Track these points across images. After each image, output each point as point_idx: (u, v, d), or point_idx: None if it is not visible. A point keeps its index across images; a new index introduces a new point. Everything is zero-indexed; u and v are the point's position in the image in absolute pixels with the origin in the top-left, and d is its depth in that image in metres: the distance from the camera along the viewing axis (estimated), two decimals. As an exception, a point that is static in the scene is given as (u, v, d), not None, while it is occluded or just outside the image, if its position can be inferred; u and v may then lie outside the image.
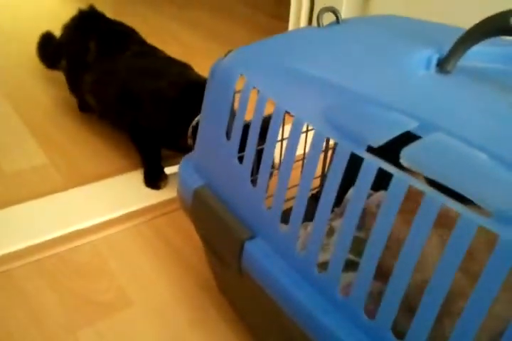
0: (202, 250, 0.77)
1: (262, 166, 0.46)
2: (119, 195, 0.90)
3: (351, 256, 0.50)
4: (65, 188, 0.91)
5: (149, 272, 0.75)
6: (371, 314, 0.38)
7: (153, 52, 1.03)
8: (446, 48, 0.46)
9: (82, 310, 0.68)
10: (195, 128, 0.86)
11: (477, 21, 0.44)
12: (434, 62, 0.47)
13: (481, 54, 0.49)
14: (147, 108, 0.92)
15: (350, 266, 0.44)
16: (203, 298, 0.71)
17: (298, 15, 1.08)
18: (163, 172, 0.93)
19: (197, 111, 0.86)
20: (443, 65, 0.45)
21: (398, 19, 0.59)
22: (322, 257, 0.43)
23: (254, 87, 0.46)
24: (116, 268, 0.75)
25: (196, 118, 0.86)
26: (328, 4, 0.55)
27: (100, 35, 1.04)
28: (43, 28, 1.22)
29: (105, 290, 0.72)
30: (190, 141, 0.87)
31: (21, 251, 0.77)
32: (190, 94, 0.89)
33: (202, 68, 0.97)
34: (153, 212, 0.87)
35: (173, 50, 1.03)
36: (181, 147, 0.89)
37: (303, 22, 1.08)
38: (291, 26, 1.13)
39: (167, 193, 0.91)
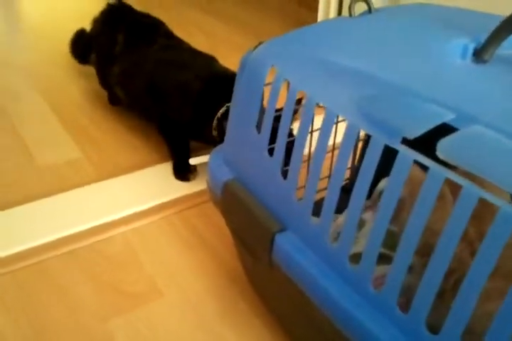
0: (232, 242, 0.78)
1: (293, 158, 0.46)
2: (150, 186, 0.91)
3: (383, 250, 0.50)
4: (97, 180, 0.92)
5: (180, 264, 0.76)
6: (402, 307, 0.37)
7: (179, 44, 1.04)
8: (483, 37, 0.44)
9: (113, 300, 0.70)
10: (220, 119, 0.86)
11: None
12: (471, 51, 0.45)
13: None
14: (173, 100, 0.92)
15: (382, 259, 0.43)
16: (233, 290, 0.71)
17: (327, 5, 1.07)
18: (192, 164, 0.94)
19: (222, 102, 0.87)
20: (480, 54, 0.44)
21: (431, 7, 0.58)
22: (352, 249, 0.42)
23: (285, 79, 0.46)
24: (147, 259, 0.76)
25: (221, 110, 0.86)
26: None
27: (128, 28, 1.05)
28: (75, 25, 1.24)
29: (136, 281, 0.73)
30: (215, 133, 0.87)
31: (55, 242, 0.78)
32: (215, 86, 0.89)
33: (228, 60, 0.97)
34: (183, 204, 0.88)
35: (200, 42, 1.03)
36: (207, 139, 0.90)
37: (332, 12, 1.07)
38: (320, 17, 1.12)
39: (196, 185, 0.92)
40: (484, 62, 0.44)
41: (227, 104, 0.86)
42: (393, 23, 0.52)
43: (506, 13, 0.43)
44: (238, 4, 1.88)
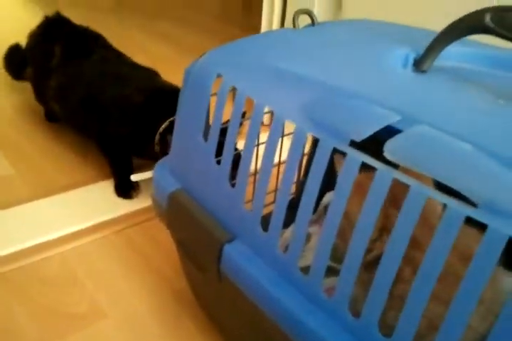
0: (175, 260, 0.75)
1: (241, 166, 0.45)
2: (89, 205, 0.87)
3: (330, 263, 0.50)
4: (32, 199, 0.87)
5: (122, 283, 0.72)
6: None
7: (118, 57, 1.01)
8: (422, 48, 0.46)
9: (53, 323, 0.65)
10: (163, 134, 0.84)
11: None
12: (411, 61, 0.47)
13: (456, 54, 0.50)
14: (113, 114, 0.89)
15: (330, 271, 0.43)
16: (178, 308, 0.68)
17: (270, 22, 1.08)
18: (135, 181, 0.91)
19: (163, 117, 0.85)
20: (420, 63, 0.46)
21: (373, 22, 0.60)
22: (301, 262, 0.42)
23: (231, 86, 0.45)
24: (88, 279, 0.72)
25: (163, 125, 0.85)
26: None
27: (65, 39, 1.01)
28: (9, 40, 1.19)
29: (77, 302, 0.69)
30: (157, 148, 0.86)
31: (-15, 264, 0.73)
32: (157, 101, 0.87)
33: (168, 77, 0.96)
34: (125, 222, 0.84)
35: (140, 59, 1.01)
36: (149, 155, 0.88)
37: (275, 28, 1.09)
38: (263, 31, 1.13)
39: (138, 203, 0.89)
40: (423, 71, 0.46)
41: (169, 119, 0.85)
42: (337, 34, 0.54)
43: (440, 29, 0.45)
44: (180, 26, 1.88)
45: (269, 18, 1.10)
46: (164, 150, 0.84)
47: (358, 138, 0.35)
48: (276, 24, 1.09)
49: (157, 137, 0.85)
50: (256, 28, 1.16)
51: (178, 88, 0.91)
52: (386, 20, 0.61)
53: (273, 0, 1.07)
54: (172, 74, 0.97)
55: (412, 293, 0.33)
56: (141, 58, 1.02)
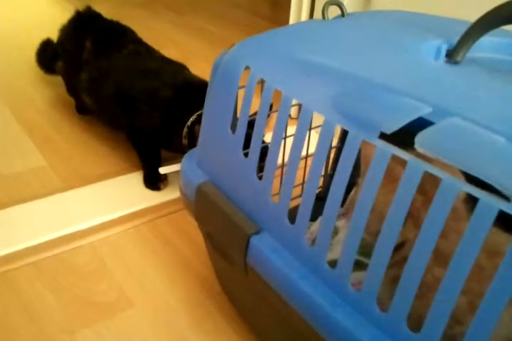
0: (203, 251, 0.76)
1: (268, 158, 0.45)
2: (119, 196, 0.88)
3: (357, 257, 0.49)
4: (63, 189, 0.89)
5: (150, 273, 0.73)
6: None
7: (149, 51, 1.02)
8: (455, 39, 0.45)
9: (81, 311, 0.67)
10: (191, 128, 0.85)
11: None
12: (444, 52, 0.46)
13: (489, 45, 0.48)
14: (142, 108, 0.91)
15: (357, 265, 0.42)
16: (204, 298, 0.69)
17: (298, 14, 1.08)
18: (163, 173, 0.92)
19: (192, 110, 0.86)
20: (452, 55, 0.45)
21: (404, 13, 0.59)
22: (328, 256, 0.41)
23: (260, 78, 0.45)
24: (116, 269, 0.74)
25: (191, 118, 0.85)
26: None
27: (96, 34, 1.03)
28: (42, 35, 1.22)
29: (105, 291, 0.70)
30: (185, 141, 0.86)
31: (19, 253, 0.75)
32: (185, 94, 0.88)
33: (199, 71, 0.96)
34: (153, 214, 0.85)
35: (170, 53, 1.02)
36: (177, 147, 0.89)
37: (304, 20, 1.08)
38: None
39: (167, 194, 0.90)
40: (456, 62, 0.45)
41: (197, 113, 0.85)
42: (368, 25, 0.53)
43: (473, 19, 0.44)
44: (209, 19, 1.89)
45: (298, 11, 1.09)
46: (192, 144, 0.85)
47: (389, 130, 0.34)
48: (305, 16, 1.08)
49: (185, 130, 0.86)
50: (285, 21, 1.15)
51: (206, 82, 0.91)
52: (416, 12, 0.59)
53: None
54: (202, 67, 0.97)
55: (443, 287, 0.32)
56: (171, 52, 1.03)
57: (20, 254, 0.75)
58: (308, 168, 0.42)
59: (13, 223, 0.81)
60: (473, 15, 0.47)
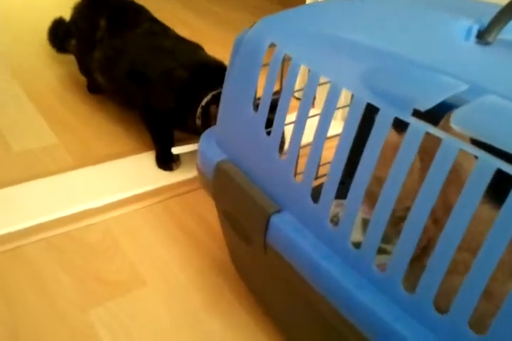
0: (215, 232, 0.76)
1: (292, 137, 0.44)
2: (131, 175, 0.88)
3: (382, 245, 0.49)
4: (75, 167, 0.89)
5: (162, 252, 0.73)
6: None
7: (164, 30, 1.01)
8: (486, 20, 0.44)
9: (94, 288, 0.67)
10: (205, 108, 0.84)
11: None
12: (475, 33, 0.45)
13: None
14: (157, 87, 0.90)
15: (379, 251, 0.42)
16: (218, 279, 0.69)
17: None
18: (175, 154, 0.91)
19: (207, 91, 0.85)
20: (484, 35, 0.43)
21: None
22: (353, 237, 0.41)
23: (285, 54, 0.44)
24: (129, 247, 0.74)
25: (206, 98, 0.84)
26: None
27: (110, 12, 1.02)
28: (54, 14, 1.20)
29: (118, 269, 0.70)
30: (198, 122, 0.85)
31: (32, 229, 0.75)
32: (201, 75, 0.87)
33: (211, 52, 0.95)
34: (165, 193, 0.85)
35: (182, 34, 1.01)
36: (191, 128, 0.88)
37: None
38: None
39: (179, 175, 0.89)
40: (488, 44, 0.43)
41: (212, 93, 0.84)
42: (395, 4, 0.51)
43: (504, 2, 0.42)
44: (219, 2, 1.86)
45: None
46: (206, 124, 0.84)
47: (424, 107, 0.33)
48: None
49: (199, 111, 0.85)
50: (295, 4, 1.13)
51: (221, 62, 0.90)
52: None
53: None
54: (212, 48, 0.96)
55: (472, 268, 0.31)
56: (181, 32, 1.01)
57: (33, 230, 0.75)
58: (332, 148, 0.41)
59: (26, 199, 0.80)
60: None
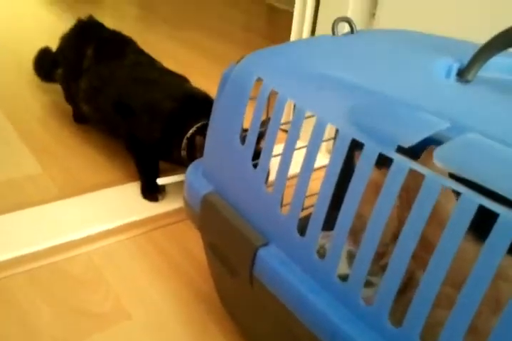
0: (201, 264, 0.75)
1: (279, 171, 0.45)
2: (116, 206, 0.88)
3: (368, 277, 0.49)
4: (59, 198, 0.88)
5: (146, 284, 0.72)
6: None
7: (150, 62, 1.02)
8: (465, 59, 0.45)
9: (77, 322, 0.65)
10: (190, 139, 0.85)
11: (485, 38, 0.44)
12: (455, 71, 0.47)
13: (498, 66, 0.49)
14: (142, 118, 0.90)
15: (366, 284, 0.42)
16: (203, 311, 0.68)
17: (300, 31, 1.08)
18: (161, 184, 0.91)
19: (192, 122, 0.86)
20: (464, 74, 0.45)
21: (413, 32, 0.59)
22: (339, 269, 0.41)
23: (272, 89, 0.45)
24: (113, 279, 0.72)
25: (191, 130, 0.85)
26: (331, 22, 0.55)
27: (98, 42, 1.03)
28: (40, 43, 1.22)
29: (101, 302, 0.69)
30: (184, 153, 0.86)
31: (13, 260, 0.73)
32: (186, 106, 0.88)
33: (197, 84, 0.96)
34: (150, 224, 0.85)
35: (168, 66, 1.03)
36: (176, 159, 0.88)
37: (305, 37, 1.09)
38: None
39: (165, 206, 0.89)
40: (467, 81, 0.45)
41: (197, 125, 0.85)
42: (378, 42, 0.53)
43: (476, 40, 0.44)
44: (205, 34, 1.90)
45: (299, 28, 1.10)
46: (191, 155, 0.85)
47: (406, 144, 0.34)
48: (306, 35, 1.09)
49: (184, 142, 0.85)
50: (281, 39, 1.16)
51: (207, 94, 0.91)
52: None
53: (304, 9, 1.07)
54: (198, 80, 0.98)
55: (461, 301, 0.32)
56: (167, 64, 1.03)
57: (14, 262, 0.73)
58: (319, 180, 0.42)
59: (8, 230, 0.79)
60: (476, 37, 0.48)
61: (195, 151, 0.84)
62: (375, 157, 0.36)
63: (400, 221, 0.47)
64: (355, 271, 0.38)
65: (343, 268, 0.50)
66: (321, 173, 0.41)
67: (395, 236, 0.37)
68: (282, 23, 1.11)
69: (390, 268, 0.35)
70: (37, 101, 1.26)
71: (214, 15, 2.21)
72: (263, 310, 0.51)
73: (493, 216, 0.30)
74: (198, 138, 0.82)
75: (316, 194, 0.41)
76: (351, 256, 0.53)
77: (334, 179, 0.40)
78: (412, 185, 0.35)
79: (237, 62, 0.53)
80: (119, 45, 1.04)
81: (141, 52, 1.05)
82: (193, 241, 0.80)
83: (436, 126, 0.35)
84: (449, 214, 0.32)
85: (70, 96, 1.09)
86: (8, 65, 1.46)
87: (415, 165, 0.34)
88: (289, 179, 0.45)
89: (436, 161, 0.32)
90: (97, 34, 1.06)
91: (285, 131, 0.45)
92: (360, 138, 0.37)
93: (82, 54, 1.02)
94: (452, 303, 0.32)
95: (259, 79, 0.48)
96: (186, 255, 0.78)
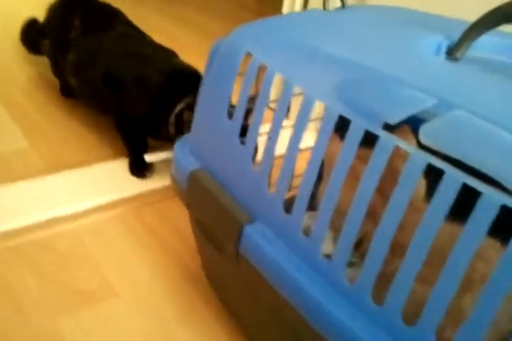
0: (188, 241, 0.76)
1: (266, 148, 0.44)
2: (103, 182, 0.87)
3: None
4: (46, 173, 0.87)
5: (134, 262, 0.72)
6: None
7: (139, 35, 1.00)
8: (455, 37, 0.45)
9: (63, 298, 0.65)
10: (178, 115, 0.84)
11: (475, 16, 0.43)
12: (444, 49, 0.46)
13: (487, 45, 0.48)
14: (131, 92, 0.89)
15: (349, 264, 0.42)
16: (190, 289, 0.68)
17: (291, 5, 1.06)
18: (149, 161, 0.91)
19: (180, 98, 0.84)
20: (453, 51, 0.45)
21: (403, 9, 0.58)
22: (324, 249, 0.41)
23: (261, 63, 0.44)
24: (100, 256, 0.72)
25: (179, 106, 0.84)
26: None
27: (85, 12, 1.01)
28: (26, 13, 1.19)
29: (88, 278, 0.69)
30: (172, 129, 0.85)
31: (0, 235, 0.73)
32: (175, 82, 0.87)
33: (186, 59, 0.95)
34: (138, 201, 0.84)
35: (157, 40, 1.01)
36: (165, 135, 0.87)
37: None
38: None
39: (152, 183, 0.89)
40: (456, 59, 0.44)
41: (185, 100, 0.84)
42: (369, 18, 0.52)
43: (468, 19, 0.44)
44: (195, 9, 1.86)
45: (291, 2, 1.08)
46: (179, 131, 0.84)
47: (393, 121, 0.34)
48: (298, 8, 1.07)
49: (173, 117, 0.84)
50: (272, 15, 1.14)
51: (196, 69, 0.90)
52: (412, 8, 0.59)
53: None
54: (187, 55, 0.96)
55: (441, 283, 0.32)
56: (156, 38, 1.01)
57: (1, 236, 0.73)
58: (305, 159, 0.42)
59: (-6, 205, 0.79)
60: (468, 15, 0.47)
61: (183, 127, 0.83)
62: (362, 133, 0.36)
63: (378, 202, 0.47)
64: (339, 249, 0.38)
65: (328, 247, 0.50)
66: (309, 153, 0.41)
67: (372, 216, 0.37)
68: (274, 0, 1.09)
69: (371, 248, 0.36)
70: (24, 74, 1.23)
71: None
72: (248, 287, 0.51)
73: (471, 196, 0.30)
74: (186, 113, 0.81)
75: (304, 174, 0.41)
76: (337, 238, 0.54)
77: (320, 157, 0.40)
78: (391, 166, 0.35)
79: (226, 36, 0.52)
80: (107, 16, 1.01)
81: (130, 25, 1.02)
82: (182, 218, 0.80)
83: (423, 103, 0.35)
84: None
85: (58, 69, 1.07)
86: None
87: (401, 143, 0.34)
88: (277, 159, 0.45)
89: (422, 138, 0.32)
90: (84, 5, 1.03)
91: (274, 109, 0.44)
92: (347, 115, 0.37)
93: (69, 25, 1.00)
94: (432, 283, 0.32)
95: (248, 54, 0.47)
96: (174, 232, 0.78)
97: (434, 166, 0.31)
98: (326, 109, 0.38)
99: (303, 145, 0.42)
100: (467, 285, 0.34)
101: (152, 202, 0.85)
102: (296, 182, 0.49)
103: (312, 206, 0.43)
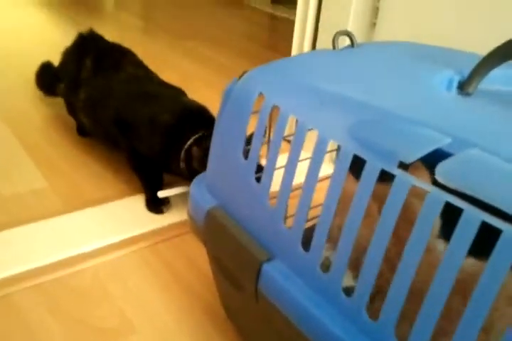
0: (206, 276, 0.75)
1: (282, 184, 0.45)
2: (121, 219, 0.88)
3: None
4: (65, 212, 0.89)
5: (152, 298, 0.72)
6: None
7: (148, 75, 1.03)
8: (466, 71, 0.46)
9: (84, 336, 0.65)
10: (188, 151, 0.85)
11: (486, 48, 0.44)
12: (455, 83, 0.47)
13: (499, 78, 0.49)
14: (142, 132, 0.91)
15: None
16: (208, 325, 0.68)
17: (301, 43, 1.09)
18: (166, 197, 0.92)
19: (189, 135, 0.86)
20: (465, 86, 0.46)
21: (413, 44, 0.60)
22: (345, 282, 0.41)
23: (274, 105, 0.46)
24: (119, 293, 0.73)
25: (188, 142, 0.86)
26: (333, 32, 0.55)
27: (96, 53, 1.04)
28: (42, 56, 1.23)
29: (107, 316, 0.69)
30: (182, 165, 0.86)
31: (21, 275, 0.74)
32: (183, 119, 0.89)
33: (197, 94, 0.97)
34: (155, 237, 0.85)
35: (169, 76, 1.03)
36: (176, 171, 0.89)
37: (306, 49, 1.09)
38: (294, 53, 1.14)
39: (169, 218, 0.89)
40: (468, 94, 0.45)
41: (194, 136, 0.86)
42: (378, 56, 0.54)
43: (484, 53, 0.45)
44: (206, 44, 1.91)
45: (300, 40, 1.10)
46: (190, 167, 0.85)
47: (408, 160, 0.35)
48: (307, 46, 1.09)
49: (183, 154, 0.86)
50: (283, 49, 1.16)
51: (203, 106, 0.92)
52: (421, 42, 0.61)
53: (305, 20, 1.08)
54: (200, 90, 0.98)
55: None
56: (169, 75, 1.03)
57: (21, 277, 0.74)
58: (322, 194, 0.42)
59: (14, 245, 0.80)
60: (477, 47, 0.48)
61: (192, 162, 0.84)
62: (378, 173, 0.37)
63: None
64: (360, 286, 0.38)
65: (347, 280, 0.50)
66: (324, 184, 0.42)
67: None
68: (283, 31, 1.11)
69: (394, 283, 0.36)
70: (41, 115, 1.27)
71: (215, 25, 2.22)
72: (268, 324, 0.51)
73: (491, 233, 0.30)
74: (194, 150, 0.83)
75: (319, 205, 0.42)
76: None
77: (336, 198, 0.40)
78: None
79: (240, 78, 0.53)
80: (117, 57, 1.05)
81: (138, 65, 1.05)
82: (199, 253, 0.80)
83: (438, 141, 0.35)
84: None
85: (72, 109, 1.10)
86: (12, 78, 1.47)
87: (417, 182, 0.34)
88: (292, 191, 0.46)
89: (438, 177, 0.33)
90: (95, 45, 1.07)
91: (288, 141, 0.45)
92: (362, 154, 0.38)
93: (81, 65, 1.04)
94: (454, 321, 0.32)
95: (261, 94, 0.48)
96: (191, 267, 0.78)
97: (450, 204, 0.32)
98: (341, 149, 0.39)
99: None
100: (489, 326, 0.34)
101: (169, 237, 0.85)
102: (312, 212, 0.49)
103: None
